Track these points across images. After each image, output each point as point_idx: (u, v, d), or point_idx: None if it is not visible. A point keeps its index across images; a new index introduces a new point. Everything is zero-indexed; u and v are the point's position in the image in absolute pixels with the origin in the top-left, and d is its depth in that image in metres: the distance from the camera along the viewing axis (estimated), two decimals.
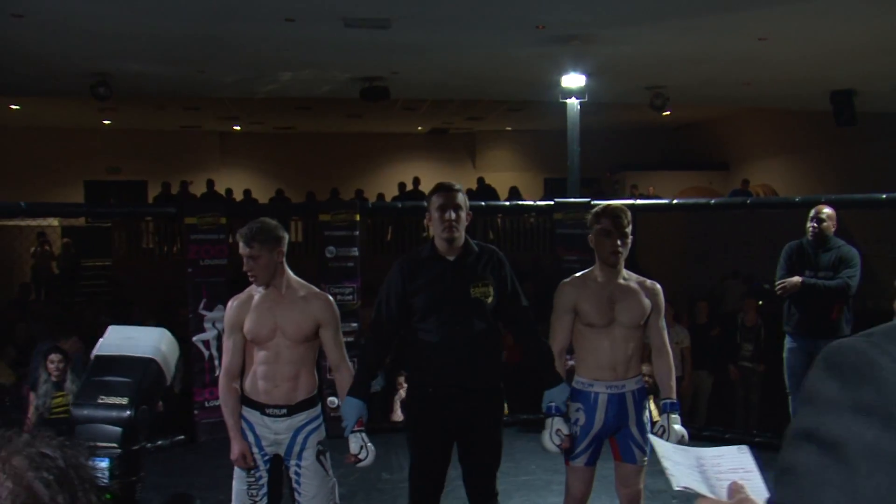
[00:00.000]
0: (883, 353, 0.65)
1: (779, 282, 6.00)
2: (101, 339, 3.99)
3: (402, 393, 7.12)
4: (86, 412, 3.65)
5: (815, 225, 5.91)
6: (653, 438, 1.58)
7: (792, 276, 5.93)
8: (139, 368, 3.76)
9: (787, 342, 6.09)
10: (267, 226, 3.75)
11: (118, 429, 3.60)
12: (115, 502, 3.56)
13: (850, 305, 5.93)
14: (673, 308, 7.92)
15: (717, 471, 1.30)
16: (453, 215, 3.62)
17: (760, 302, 10.73)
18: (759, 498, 1.22)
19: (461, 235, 3.67)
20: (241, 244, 3.69)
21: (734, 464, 1.32)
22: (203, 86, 11.15)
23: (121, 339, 3.92)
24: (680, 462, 1.35)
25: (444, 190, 3.69)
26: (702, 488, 1.28)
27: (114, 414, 3.62)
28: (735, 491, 1.20)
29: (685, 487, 1.32)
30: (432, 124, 20.10)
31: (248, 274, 3.70)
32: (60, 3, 6.44)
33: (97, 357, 3.88)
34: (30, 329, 8.44)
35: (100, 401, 3.64)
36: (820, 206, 6.00)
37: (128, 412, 3.62)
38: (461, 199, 3.67)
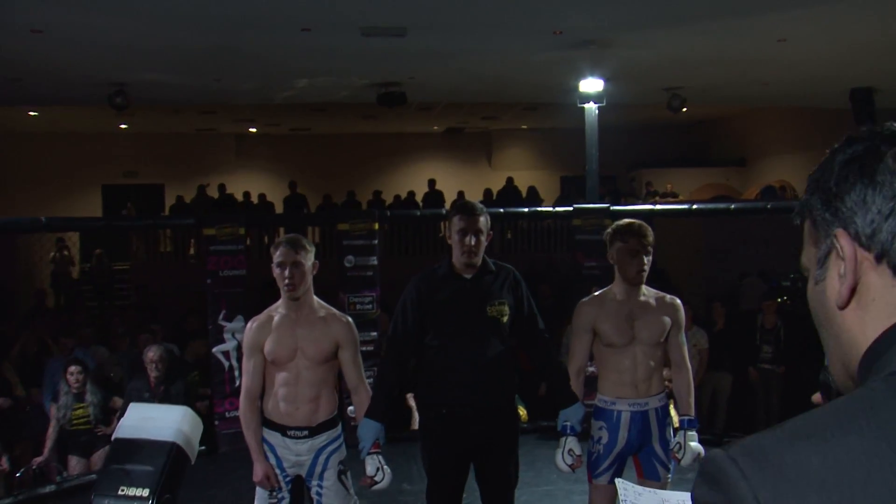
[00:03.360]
0: (741, 475, 0.77)
1: None
2: (120, 420, 3.89)
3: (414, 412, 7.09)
4: (106, 503, 3.58)
5: None
6: (618, 482, 1.59)
7: None
8: (161, 454, 3.62)
9: None
10: (305, 238, 3.80)
11: None
12: None
13: None
14: (690, 309, 7.88)
15: None
16: (473, 241, 3.60)
17: (780, 300, 10.68)
18: None
19: (480, 258, 3.66)
20: (284, 251, 3.65)
21: None
22: (219, 93, 11.18)
23: (140, 420, 3.78)
24: None
25: (467, 213, 3.64)
26: None
27: None
28: None
29: None
30: (448, 124, 20.08)
31: (287, 282, 3.64)
32: (78, 18, 6.46)
33: (116, 441, 3.75)
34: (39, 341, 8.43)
35: (120, 492, 3.52)
36: None
37: None
38: (482, 222, 3.64)
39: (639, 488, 1.44)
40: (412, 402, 7.52)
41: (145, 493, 3.54)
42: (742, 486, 0.77)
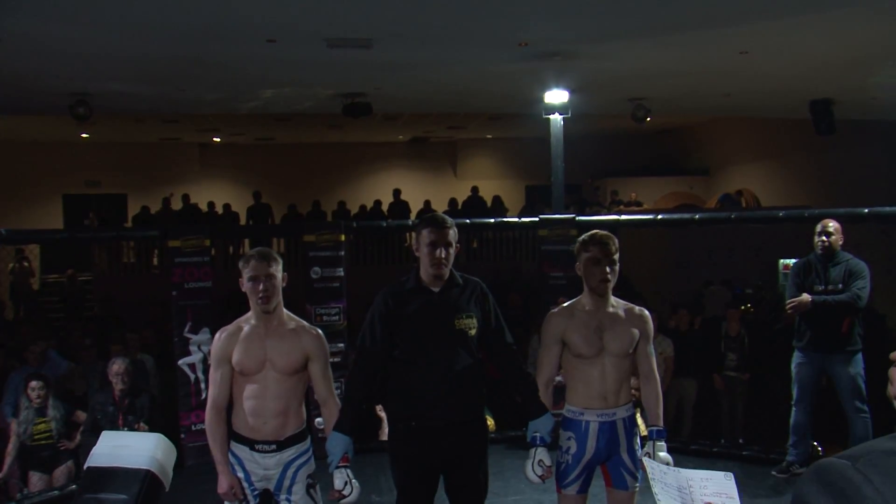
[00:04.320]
0: (866, 481, 0.79)
1: (788, 301, 6.04)
2: (93, 449, 3.84)
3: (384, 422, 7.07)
4: None
5: (825, 239, 5.97)
6: (646, 461, 1.63)
7: (801, 294, 5.96)
8: (135, 482, 3.61)
9: (797, 357, 6.12)
10: (273, 251, 3.80)
11: None
12: None
13: (861, 318, 5.99)
14: (656, 318, 7.96)
15: (703, 493, 1.38)
16: (443, 253, 3.61)
17: (743, 307, 10.82)
18: None
19: (448, 270, 3.67)
20: (256, 264, 3.66)
21: (719, 488, 1.40)
22: (184, 103, 11.10)
23: (113, 448, 3.74)
24: (670, 485, 1.42)
25: (437, 226, 3.64)
26: None
27: None
28: None
29: None
30: (413, 133, 20.11)
31: (262, 296, 3.64)
32: (38, 26, 6.36)
33: (89, 469, 3.72)
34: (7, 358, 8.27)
35: None
36: (826, 221, 6.06)
37: None
38: (452, 235, 3.65)
39: (664, 467, 1.50)
40: (382, 413, 7.50)
41: None
42: (868, 490, 0.80)
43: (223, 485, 3.68)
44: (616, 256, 3.79)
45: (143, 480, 3.60)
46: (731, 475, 1.40)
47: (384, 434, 7.50)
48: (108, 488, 3.58)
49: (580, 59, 7.70)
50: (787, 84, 9.34)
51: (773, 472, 6.24)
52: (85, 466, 3.80)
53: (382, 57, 7.55)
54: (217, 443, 3.70)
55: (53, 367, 7.51)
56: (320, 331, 3.86)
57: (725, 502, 1.36)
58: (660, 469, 1.48)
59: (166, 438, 3.90)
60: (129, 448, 3.72)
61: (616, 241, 3.82)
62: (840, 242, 5.99)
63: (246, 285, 3.68)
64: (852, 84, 9.19)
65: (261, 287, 3.64)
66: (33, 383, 6.51)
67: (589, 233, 3.90)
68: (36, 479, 6.58)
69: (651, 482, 1.50)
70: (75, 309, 14.77)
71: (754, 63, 8.14)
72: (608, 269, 3.76)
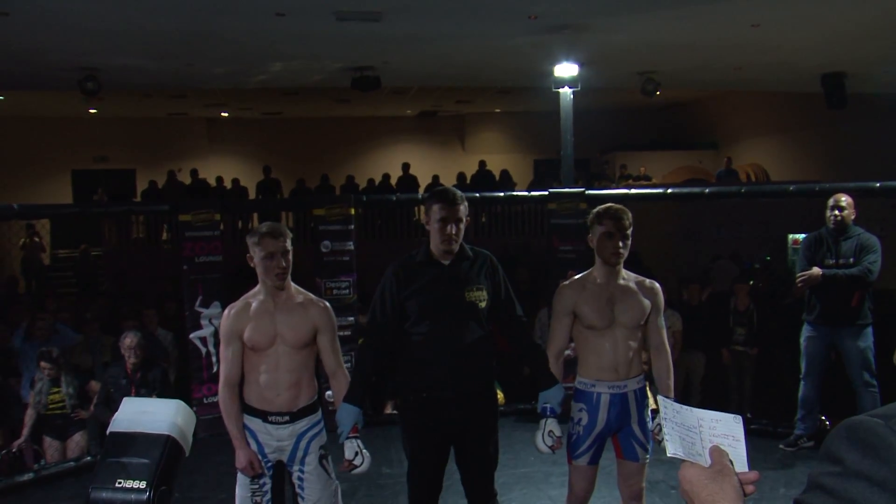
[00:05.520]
0: (892, 432, 0.84)
1: (799, 275, 6.02)
2: (115, 415, 3.90)
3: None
4: (104, 496, 3.56)
5: (838, 213, 5.94)
6: (661, 398, 1.66)
7: (812, 267, 5.95)
8: (156, 447, 3.66)
9: (806, 330, 6.12)
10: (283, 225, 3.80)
11: None
12: None
13: (871, 291, 5.97)
14: (665, 292, 7.95)
15: (712, 434, 1.41)
16: (454, 229, 3.61)
17: (752, 283, 10.80)
18: (739, 466, 1.39)
19: (458, 245, 3.68)
20: (272, 241, 3.65)
21: (727, 430, 1.43)
22: (192, 78, 11.08)
23: (135, 414, 3.79)
24: (680, 424, 1.46)
25: (448, 203, 3.63)
26: (688, 458, 1.46)
27: (132, 498, 3.53)
28: (717, 455, 1.39)
29: (675, 455, 1.51)
30: (421, 107, 20.05)
31: (279, 272, 3.65)
32: (48, 1, 6.36)
33: (112, 434, 3.78)
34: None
35: (118, 485, 3.55)
36: (839, 195, 6.03)
37: (146, 496, 3.53)
38: (462, 211, 3.65)
39: (678, 406, 1.52)
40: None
41: (142, 485, 3.56)
42: None
43: (241, 459, 3.71)
44: (629, 231, 3.80)
45: (165, 445, 3.68)
46: (739, 418, 1.43)
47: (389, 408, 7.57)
48: (130, 453, 3.65)
49: (590, 32, 7.66)
50: (799, 57, 9.27)
51: (781, 446, 6.26)
52: (108, 432, 3.86)
53: (391, 30, 7.52)
54: (232, 419, 3.73)
55: (62, 339, 7.57)
56: (328, 303, 3.88)
57: (732, 444, 1.41)
58: (673, 408, 1.50)
59: (186, 405, 3.95)
60: (150, 414, 3.78)
61: (630, 215, 3.82)
62: (852, 217, 5.97)
63: (260, 262, 3.67)
64: (865, 57, 9.11)
65: (278, 264, 3.65)
66: (43, 363, 6.60)
67: (604, 206, 3.89)
68: (48, 444, 6.72)
69: (662, 421, 1.54)
70: (88, 284, 14.85)
71: (766, 36, 8.08)
72: (621, 244, 3.76)
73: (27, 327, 7.80)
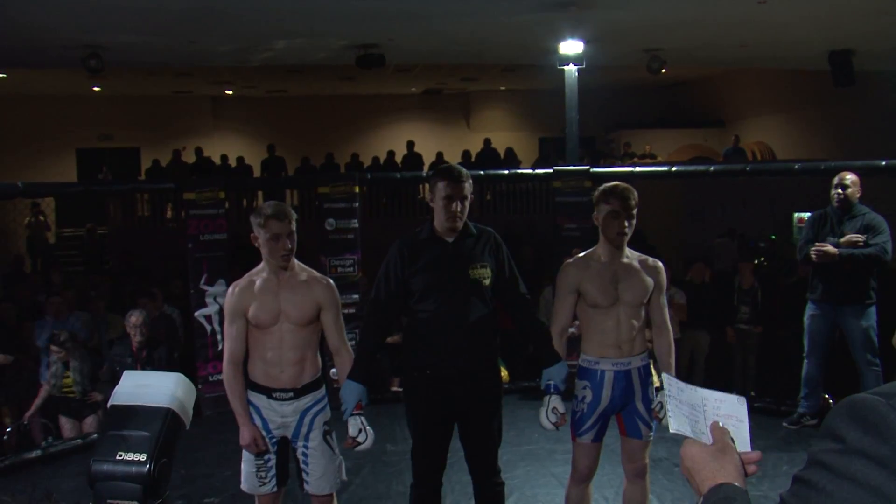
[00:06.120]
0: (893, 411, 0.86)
1: (815, 246, 5.83)
2: (115, 388, 3.93)
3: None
4: (105, 468, 3.59)
5: (841, 192, 5.87)
6: (665, 376, 1.67)
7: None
8: (157, 419, 3.68)
9: (810, 308, 6.08)
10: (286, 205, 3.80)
11: (138, 486, 3.55)
12: None
13: (875, 272, 5.93)
14: (669, 270, 7.96)
15: (716, 413, 1.43)
16: (459, 207, 3.61)
17: (757, 262, 10.80)
18: (742, 446, 1.41)
19: (463, 223, 3.68)
20: (277, 223, 3.64)
21: (731, 411, 1.45)
22: (196, 55, 11.04)
23: (135, 387, 3.82)
24: (684, 402, 1.48)
25: (453, 180, 3.63)
26: (691, 435, 1.49)
27: (133, 470, 3.56)
28: (718, 433, 1.42)
29: (677, 431, 1.53)
30: (426, 85, 19.97)
31: (285, 254, 3.67)
32: None
33: (112, 407, 3.81)
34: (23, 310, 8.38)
35: (118, 457, 3.58)
36: (843, 173, 5.94)
37: (147, 468, 3.57)
38: (467, 188, 3.65)
39: (682, 384, 1.54)
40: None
41: (143, 457, 3.59)
42: None
43: (245, 436, 3.73)
44: (635, 210, 3.79)
45: (165, 418, 3.71)
46: (743, 399, 1.45)
47: (395, 385, 7.60)
48: (130, 425, 3.69)
49: (596, 8, 7.61)
50: (806, 34, 9.19)
51: (785, 424, 6.28)
52: (108, 405, 3.90)
53: (396, 7, 7.48)
54: (237, 396, 3.75)
55: (76, 319, 7.62)
56: (331, 280, 3.89)
57: (735, 425, 1.43)
58: (677, 386, 1.52)
59: (186, 378, 3.98)
60: (150, 387, 3.82)
61: (636, 194, 3.81)
62: (857, 195, 5.90)
63: (265, 243, 3.68)
64: (873, 33, 9.03)
65: (283, 245, 3.66)
66: (53, 346, 6.65)
67: (610, 184, 3.87)
68: (63, 422, 6.81)
69: (665, 399, 1.55)
70: (94, 263, 14.90)
71: (773, 12, 8.00)
72: (626, 223, 3.76)
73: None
